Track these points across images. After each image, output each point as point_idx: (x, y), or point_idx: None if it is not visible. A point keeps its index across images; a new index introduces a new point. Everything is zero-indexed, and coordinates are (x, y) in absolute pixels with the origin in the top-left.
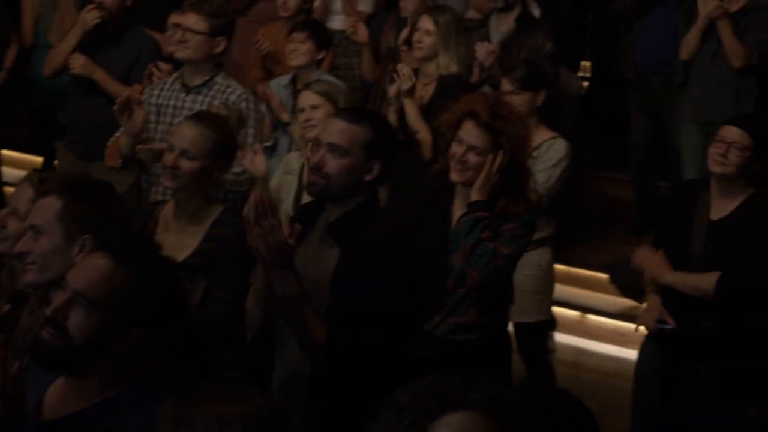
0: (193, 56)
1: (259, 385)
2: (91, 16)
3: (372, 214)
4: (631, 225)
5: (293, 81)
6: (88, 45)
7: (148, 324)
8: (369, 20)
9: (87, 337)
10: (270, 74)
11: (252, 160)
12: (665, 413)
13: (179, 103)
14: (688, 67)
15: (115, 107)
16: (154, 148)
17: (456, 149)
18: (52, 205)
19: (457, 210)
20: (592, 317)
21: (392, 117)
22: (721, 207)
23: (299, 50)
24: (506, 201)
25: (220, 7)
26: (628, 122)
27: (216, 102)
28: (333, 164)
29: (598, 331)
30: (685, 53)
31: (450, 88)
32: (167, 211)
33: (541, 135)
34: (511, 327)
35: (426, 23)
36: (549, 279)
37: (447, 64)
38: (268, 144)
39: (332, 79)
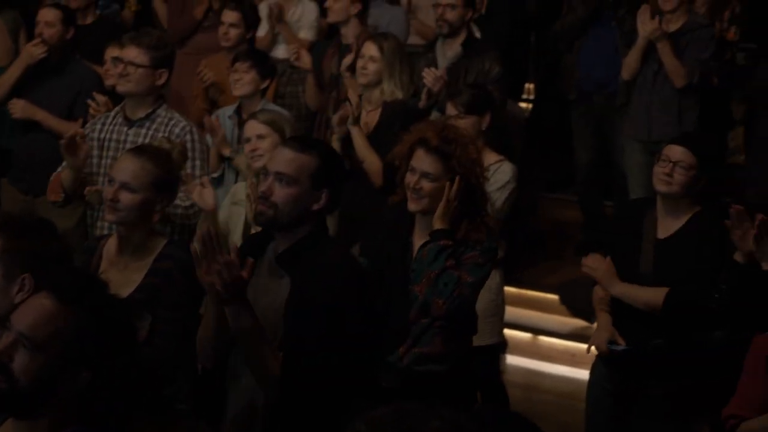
0: (136, 90)
1: (211, 417)
2: (37, 50)
3: (321, 243)
4: (579, 245)
5: (238, 111)
6: (30, 78)
7: (95, 364)
8: (310, 48)
9: (33, 379)
10: (213, 105)
11: (200, 193)
12: None
13: (122, 137)
14: (630, 87)
15: (62, 144)
16: (101, 190)
17: (410, 178)
18: None
19: (417, 240)
20: (544, 338)
21: (336, 145)
22: (668, 225)
23: (243, 80)
24: (466, 228)
25: (160, 39)
26: (572, 142)
27: (159, 134)
28: (280, 193)
29: (551, 352)
30: (626, 74)
31: (395, 115)
32: (110, 245)
33: (488, 158)
34: None
35: (370, 50)
36: (500, 302)
37: (391, 90)
38: (215, 175)
39: (277, 108)
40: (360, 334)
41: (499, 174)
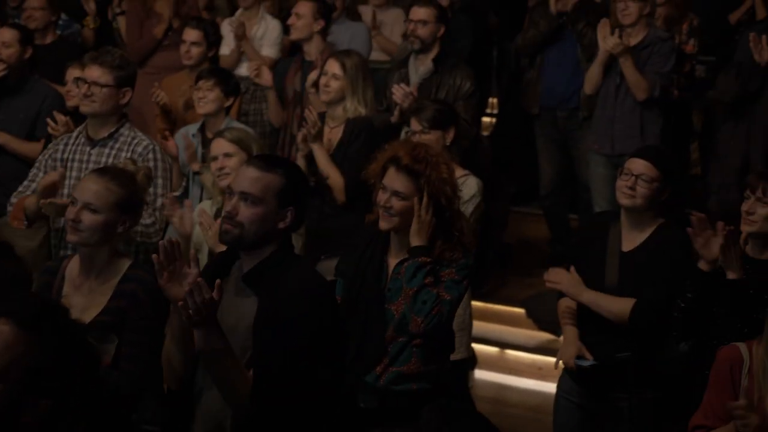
0: (101, 109)
1: None
2: None
3: (287, 260)
4: (545, 258)
5: (202, 129)
6: None
7: (57, 392)
8: (273, 65)
9: None
10: (174, 124)
11: (181, 217)
12: None
13: (85, 157)
14: (593, 101)
15: (40, 189)
16: (57, 202)
17: (381, 196)
18: None
19: (392, 259)
20: (511, 352)
21: (300, 162)
22: (632, 238)
23: (207, 98)
24: (441, 247)
25: (123, 58)
26: (536, 156)
27: (122, 153)
28: (246, 213)
29: (518, 366)
30: (588, 88)
31: (358, 131)
32: (73, 267)
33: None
34: None
35: (332, 67)
36: (467, 316)
37: (355, 107)
38: (177, 193)
39: (242, 125)
40: (328, 351)
41: (465, 188)
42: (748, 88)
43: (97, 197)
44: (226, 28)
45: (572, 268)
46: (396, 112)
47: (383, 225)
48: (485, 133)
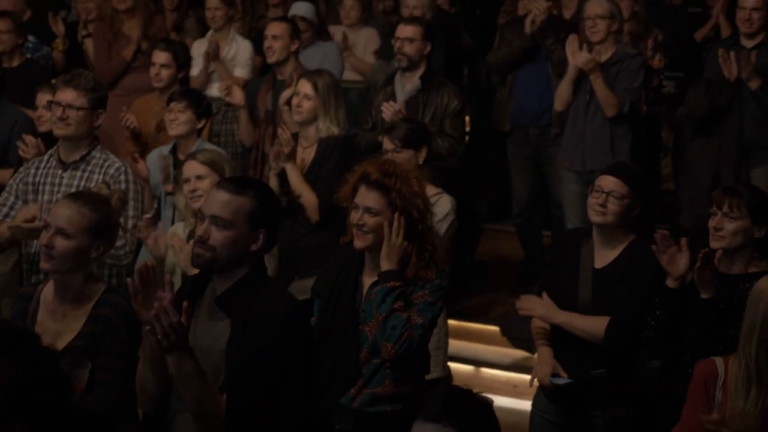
0: (76, 132)
1: None
2: None
3: (260, 283)
4: (519, 275)
5: (174, 150)
6: None
7: (29, 418)
8: (244, 85)
9: None
10: (144, 147)
11: (155, 239)
12: None
13: (56, 180)
14: (564, 118)
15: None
16: (23, 227)
17: (354, 216)
18: None
19: (367, 279)
20: (486, 370)
21: (273, 181)
22: (604, 255)
23: (179, 120)
24: (415, 265)
25: (95, 80)
26: (509, 174)
27: (95, 176)
28: (218, 236)
29: (493, 383)
30: (558, 105)
31: (331, 151)
32: (48, 291)
33: (426, 191)
34: None
35: (304, 87)
36: (443, 335)
37: (327, 126)
38: (148, 215)
39: (214, 147)
40: (301, 373)
41: (438, 206)
42: (718, 104)
43: (70, 222)
44: (197, 50)
45: (544, 293)
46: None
47: (358, 244)
48: None
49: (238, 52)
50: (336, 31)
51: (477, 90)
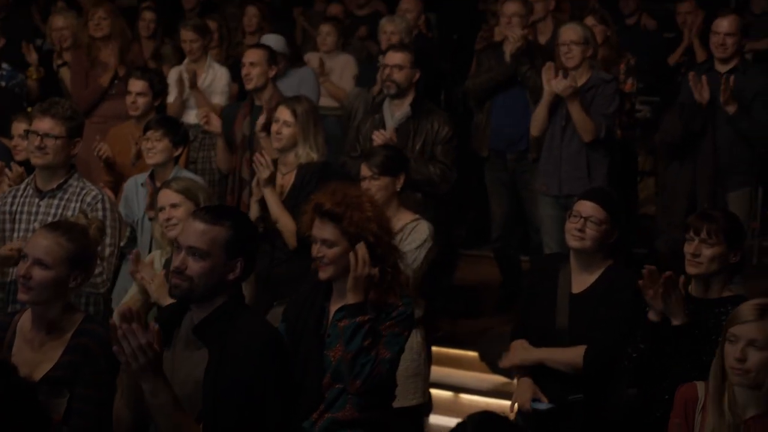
0: (54, 161)
1: None
2: None
3: (237, 311)
4: (498, 300)
5: (151, 178)
6: None
7: None
8: (221, 111)
9: None
10: (119, 176)
11: (144, 270)
12: None
13: (33, 209)
14: (541, 143)
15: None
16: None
17: (313, 248)
18: None
19: (333, 305)
20: (466, 396)
21: (254, 207)
22: (582, 280)
23: (156, 148)
24: (378, 291)
25: (72, 108)
26: (487, 199)
27: (72, 204)
28: (195, 267)
29: (472, 410)
30: (534, 130)
31: (310, 177)
32: (25, 321)
33: (404, 218)
34: None
35: (283, 114)
36: (421, 361)
37: (306, 153)
38: (121, 243)
39: (191, 174)
40: (278, 402)
41: (416, 233)
42: (692, 128)
43: (48, 253)
44: (173, 77)
45: (519, 342)
46: None
47: (321, 275)
48: None
49: (215, 79)
50: (312, 57)
51: (454, 115)
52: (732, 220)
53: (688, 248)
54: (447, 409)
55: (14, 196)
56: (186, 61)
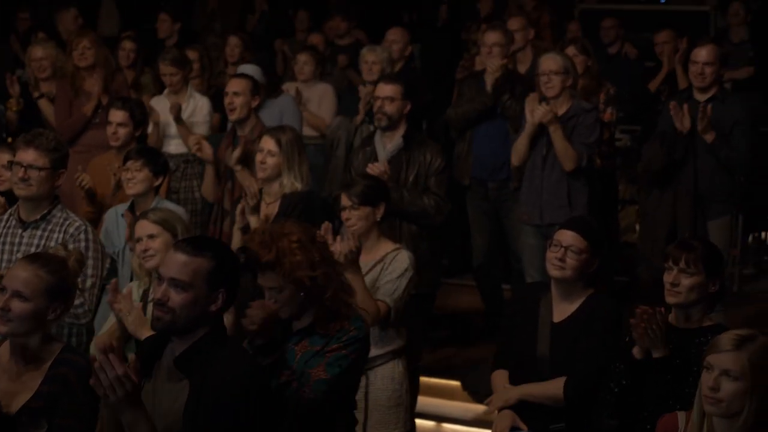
0: (38, 193)
1: None
2: None
3: (219, 342)
4: (479, 329)
5: (132, 209)
6: None
7: None
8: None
9: None
10: (100, 207)
11: (121, 300)
12: None
13: (16, 239)
14: (522, 172)
15: None
16: None
17: (266, 295)
18: None
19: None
20: (448, 426)
21: (237, 235)
22: (563, 309)
23: (136, 178)
24: (323, 321)
25: (56, 139)
26: (468, 227)
27: (54, 235)
28: (176, 299)
29: None
30: (515, 159)
31: (294, 206)
32: (3, 352)
33: (384, 247)
34: None
35: (268, 144)
36: (403, 391)
37: (291, 182)
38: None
39: (171, 205)
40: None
41: (397, 262)
42: (673, 157)
43: (27, 285)
44: (153, 106)
45: (497, 378)
46: None
47: (282, 315)
48: None
49: (197, 109)
50: (290, 87)
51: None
52: (711, 248)
53: (667, 278)
54: None
55: None
56: (166, 91)
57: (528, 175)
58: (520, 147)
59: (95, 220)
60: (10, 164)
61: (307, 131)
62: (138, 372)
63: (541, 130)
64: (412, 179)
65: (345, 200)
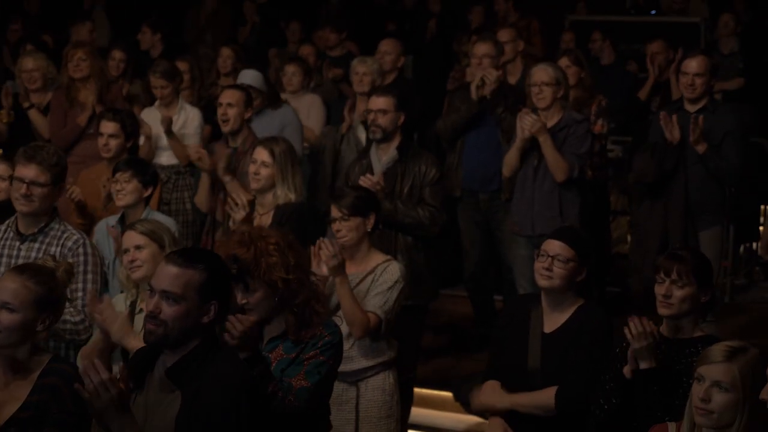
0: (40, 208)
1: None
2: None
3: (211, 353)
4: (471, 340)
5: (122, 220)
6: None
7: None
8: None
9: None
10: (91, 219)
11: (102, 312)
12: None
13: (14, 252)
14: (513, 183)
15: None
16: None
17: (237, 296)
18: None
19: (265, 341)
20: None
21: None
22: (553, 320)
23: (125, 190)
24: (294, 326)
25: (57, 153)
26: (460, 238)
27: (52, 248)
28: (169, 311)
29: None
30: (506, 171)
31: (287, 217)
32: None
33: (375, 259)
34: None
35: (261, 155)
36: (394, 403)
37: (285, 193)
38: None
39: (161, 216)
40: None
41: (388, 274)
42: (665, 168)
43: (15, 296)
44: (144, 118)
45: (490, 382)
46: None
47: (250, 319)
48: None
49: (187, 121)
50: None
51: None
52: (701, 259)
53: (659, 290)
54: None
55: None
56: (157, 103)
57: (519, 186)
58: (510, 159)
59: (86, 232)
60: (11, 178)
61: None
62: (126, 379)
63: (532, 142)
64: (407, 191)
65: (335, 212)
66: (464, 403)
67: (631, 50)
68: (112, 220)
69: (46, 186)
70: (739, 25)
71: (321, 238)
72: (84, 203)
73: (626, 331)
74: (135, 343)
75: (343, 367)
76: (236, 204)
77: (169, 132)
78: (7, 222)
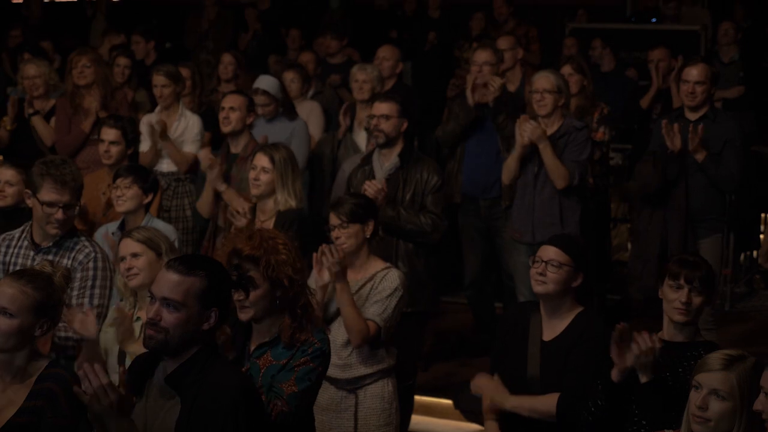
0: (62, 231)
1: None
2: None
3: (211, 360)
4: (471, 347)
5: (122, 227)
6: None
7: None
8: (195, 161)
9: None
10: (92, 225)
11: (82, 321)
12: None
13: (28, 262)
14: (513, 190)
15: None
16: None
17: (234, 292)
18: None
19: (253, 344)
20: None
21: None
22: (552, 327)
23: (125, 196)
24: (290, 329)
25: (74, 170)
26: (460, 245)
27: (64, 261)
28: (169, 318)
29: None
30: (505, 178)
31: (288, 223)
32: None
33: (374, 266)
34: None
35: (262, 161)
36: (393, 410)
37: (285, 199)
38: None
39: (161, 223)
40: None
41: (387, 281)
42: (668, 176)
43: (13, 301)
44: (144, 126)
45: (496, 376)
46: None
47: (241, 317)
48: None
49: (188, 127)
50: None
51: None
52: (707, 266)
53: (678, 296)
54: None
55: (8, 246)
56: (158, 108)
57: (520, 193)
58: (510, 166)
59: None
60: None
61: None
62: (124, 382)
63: (531, 149)
64: (409, 197)
65: (334, 219)
66: (464, 411)
67: (631, 57)
68: (113, 226)
69: (75, 206)
70: (739, 33)
71: (324, 244)
72: (85, 209)
73: (634, 346)
74: (134, 347)
75: (342, 375)
76: (238, 212)
77: (164, 135)
78: (22, 228)
